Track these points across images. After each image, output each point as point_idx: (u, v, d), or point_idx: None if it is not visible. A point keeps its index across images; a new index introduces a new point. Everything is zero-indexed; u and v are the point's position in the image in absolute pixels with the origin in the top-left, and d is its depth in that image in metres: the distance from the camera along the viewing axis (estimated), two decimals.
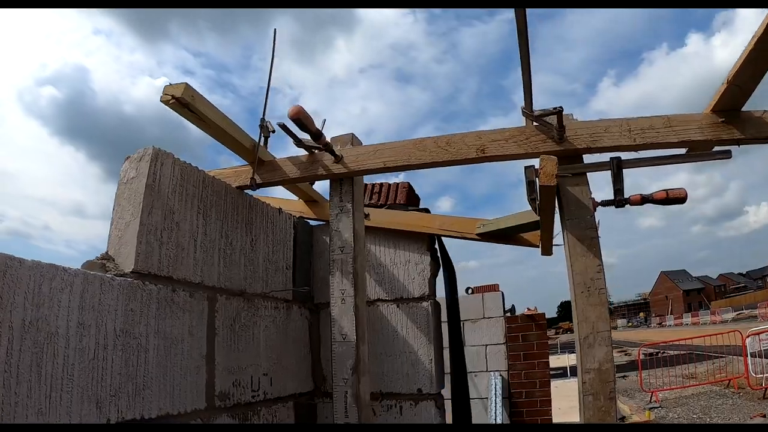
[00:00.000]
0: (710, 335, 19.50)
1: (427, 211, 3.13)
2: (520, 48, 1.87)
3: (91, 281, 1.69)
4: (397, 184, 3.26)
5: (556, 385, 20.00)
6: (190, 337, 2.07)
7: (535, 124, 2.24)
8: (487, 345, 7.66)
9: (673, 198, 2.25)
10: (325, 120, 2.54)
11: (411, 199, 3.23)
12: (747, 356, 14.32)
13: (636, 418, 12.41)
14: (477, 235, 2.87)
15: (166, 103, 2.02)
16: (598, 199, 2.26)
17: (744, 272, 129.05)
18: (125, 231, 1.93)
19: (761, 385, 13.06)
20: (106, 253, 1.95)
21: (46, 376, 1.49)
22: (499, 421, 6.97)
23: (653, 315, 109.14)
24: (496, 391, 7.23)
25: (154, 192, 1.98)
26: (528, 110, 2.14)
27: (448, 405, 3.03)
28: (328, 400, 2.89)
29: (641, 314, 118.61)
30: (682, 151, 2.28)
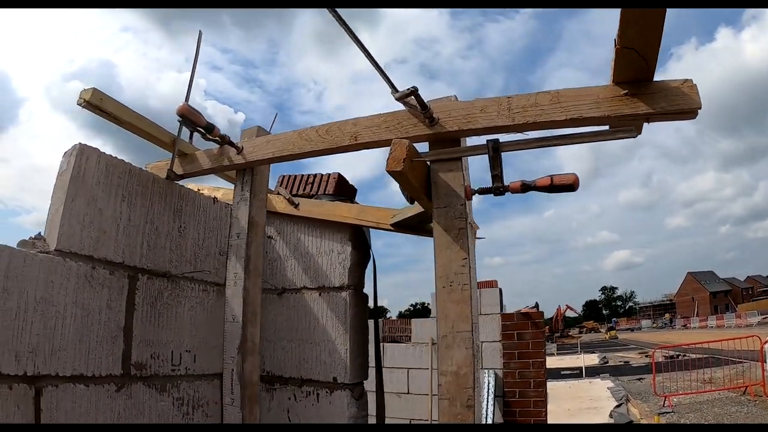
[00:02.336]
0: (727, 339, 19.11)
1: (352, 201, 3.20)
2: (351, 37, 1.89)
3: (15, 255, 1.97)
4: (329, 174, 3.30)
5: (569, 385, 20.11)
6: (108, 310, 2.29)
7: (407, 108, 2.13)
8: (482, 342, 7.56)
9: (559, 185, 2.02)
10: (276, 114, 2.72)
11: (342, 189, 3.27)
12: (765, 363, 14.00)
13: (644, 422, 12.32)
14: (391, 225, 2.85)
15: (81, 105, 2.28)
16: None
17: None
18: (54, 216, 2.19)
19: None
20: (40, 234, 2.22)
21: None
22: (490, 420, 6.94)
23: (678, 317, 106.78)
24: (489, 389, 7.21)
25: (78, 182, 2.22)
26: (395, 93, 2.03)
27: None
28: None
29: (666, 315, 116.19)
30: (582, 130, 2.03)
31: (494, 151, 2.05)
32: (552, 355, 40.43)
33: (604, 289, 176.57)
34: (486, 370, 7.44)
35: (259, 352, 2.59)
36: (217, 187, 3.25)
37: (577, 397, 16.65)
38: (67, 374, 2.11)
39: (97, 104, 2.28)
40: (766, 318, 54.20)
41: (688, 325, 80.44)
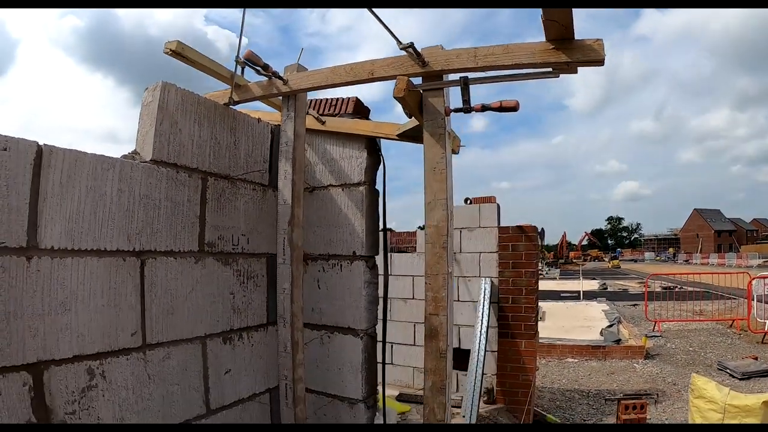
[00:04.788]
0: (716, 273, 20.15)
1: (367, 118, 4.11)
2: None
3: (125, 165, 2.79)
4: (348, 98, 4.17)
5: (567, 306, 21.44)
6: (188, 203, 3.17)
7: (407, 54, 2.94)
8: (481, 252, 8.41)
9: (506, 107, 2.88)
10: (303, 49, 3.59)
11: (359, 110, 4.15)
12: (752, 299, 15.19)
13: (632, 342, 13.26)
14: (396, 135, 3.75)
15: (167, 53, 3.16)
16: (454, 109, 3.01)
17: None
18: (146, 136, 3.01)
19: (762, 329, 13.85)
20: (134, 150, 3.06)
21: (100, 219, 2.66)
22: (485, 323, 7.72)
23: (682, 252, 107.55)
24: (485, 294, 7.98)
25: (163, 110, 3.03)
26: (399, 45, 2.87)
27: None
28: None
29: (671, 249, 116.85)
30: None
31: (465, 84, 2.93)
32: (554, 279, 42.25)
33: (610, 219, 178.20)
34: (483, 278, 8.27)
35: (302, 227, 3.60)
36: (269, 112, 4.20)
37: (572, 317, 17.86)
38: (162, 249, 2.93)
39: (180, 52, 3.15)
40: (767, 261, 55.16)
41: (691, 260, 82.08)
